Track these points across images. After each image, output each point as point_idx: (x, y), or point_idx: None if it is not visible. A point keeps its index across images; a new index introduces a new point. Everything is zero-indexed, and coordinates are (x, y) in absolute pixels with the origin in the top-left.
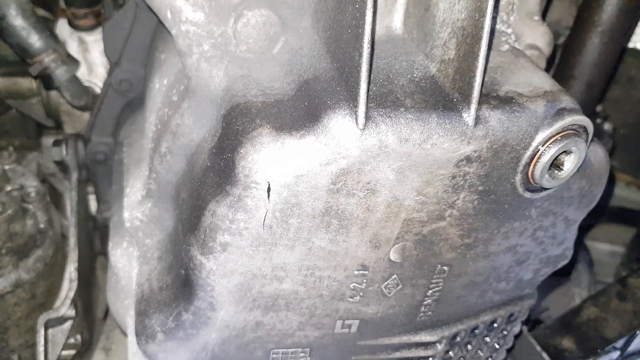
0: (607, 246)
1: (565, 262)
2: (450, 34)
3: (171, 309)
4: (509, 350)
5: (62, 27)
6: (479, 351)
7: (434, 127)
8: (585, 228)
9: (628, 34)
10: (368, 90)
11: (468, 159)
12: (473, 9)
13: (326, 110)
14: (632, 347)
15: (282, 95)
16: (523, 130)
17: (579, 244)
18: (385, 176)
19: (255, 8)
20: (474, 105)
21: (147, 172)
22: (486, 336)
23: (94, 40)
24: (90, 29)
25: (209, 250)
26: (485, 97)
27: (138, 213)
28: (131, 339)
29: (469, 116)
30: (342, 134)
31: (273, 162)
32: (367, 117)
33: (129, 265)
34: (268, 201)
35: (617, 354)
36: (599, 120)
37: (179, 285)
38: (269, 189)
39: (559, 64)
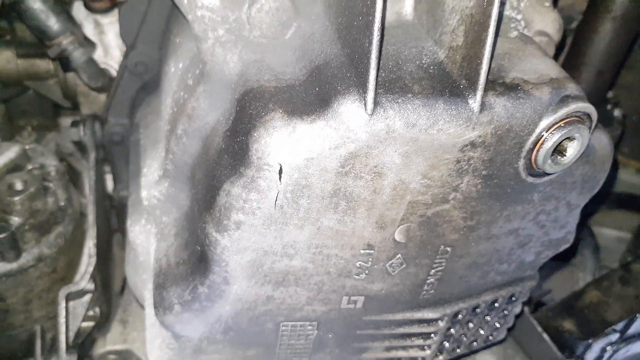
0: (614, 232)
1: (567, 245)
2: (459, 20)
3: (187, 283)
4: (509, 330)
5: (78, 10)
6: (480, 330)
7: (440, 113)
8: (589, 213)
9: None
10: (377, 77)
11: (472, 144)
12: None
13: (336, 96)
14: (632, 330)
15: (294, 80)
16: (527, 117)
17: (586, 229)
18: (391, 160)
19: None
20: (479, 92)
21: (164, 153)
22: (487, 315)
23: (110, 23)
24: (105, 11)
25: (224, 228)
26: (492, 84)
27: (155, 192)
28: (149, 311)
29: (474, 102)
30: (351, 119)
31: (285, 145)
32: (376, 103)
33: (147, 242)
34: (280, 182)
35: (616, 336)
36: (609, 107)
37: (195, 261)
38: (280, 171)
39: (570, 49)
